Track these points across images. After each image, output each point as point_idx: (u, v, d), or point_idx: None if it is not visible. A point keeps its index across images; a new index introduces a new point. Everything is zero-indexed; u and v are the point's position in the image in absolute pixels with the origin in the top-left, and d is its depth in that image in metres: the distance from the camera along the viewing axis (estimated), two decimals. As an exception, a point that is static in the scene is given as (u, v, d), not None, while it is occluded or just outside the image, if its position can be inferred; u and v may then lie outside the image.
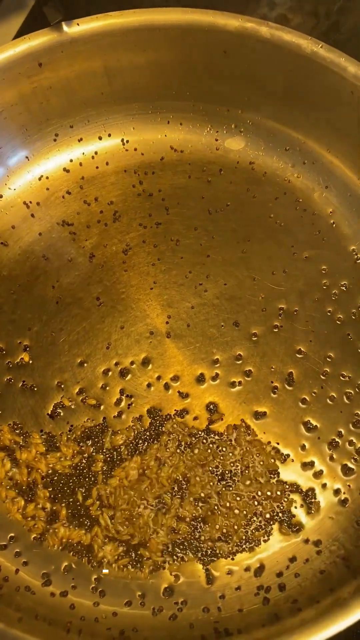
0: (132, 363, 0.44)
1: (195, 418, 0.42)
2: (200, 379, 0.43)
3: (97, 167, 0.50)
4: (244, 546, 0.39)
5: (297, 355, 0.44)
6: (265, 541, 0.39)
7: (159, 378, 0.43)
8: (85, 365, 0.44)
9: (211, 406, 0.42)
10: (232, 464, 0.41)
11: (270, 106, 0.48)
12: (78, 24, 0.43)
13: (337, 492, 0.40)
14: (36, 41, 0.43)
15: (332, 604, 0.32)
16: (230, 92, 0.48)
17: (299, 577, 0.38)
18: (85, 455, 0.41)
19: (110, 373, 0.43)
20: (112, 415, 0.42)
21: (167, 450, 0.41)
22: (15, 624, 0.30)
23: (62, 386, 0.43)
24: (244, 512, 0.39)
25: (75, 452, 0.41)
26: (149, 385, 0.43)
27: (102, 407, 0.42)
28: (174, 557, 0.38)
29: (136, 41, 0.46)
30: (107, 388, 0.43)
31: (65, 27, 0.43)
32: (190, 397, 0.43)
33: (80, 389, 0.43)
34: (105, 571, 0.38)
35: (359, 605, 0.32)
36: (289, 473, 0.40)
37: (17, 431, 0.42)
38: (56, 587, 0.38)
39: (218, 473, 0.40)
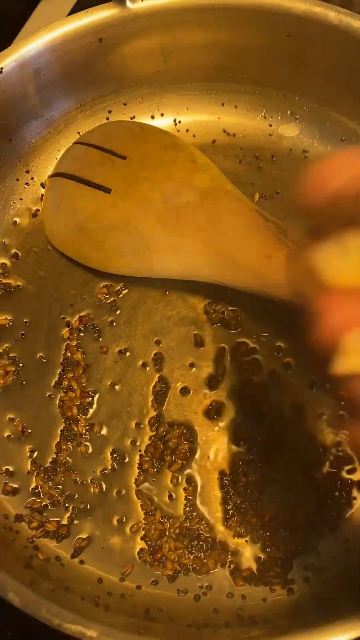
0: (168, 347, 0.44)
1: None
2: (239, 369, 0.43)
3: (147, 147, 0.50)
4: (272, 542, 0.39)
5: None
6: (294, 533, 0.39)
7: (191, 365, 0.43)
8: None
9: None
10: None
11: (329, 94, 0.47)
12: (142, 0, 0.43)
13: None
14: (98, 15, 0.42)
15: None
16: (289, 77, 0.47)
17: (322, 572, 0.38)
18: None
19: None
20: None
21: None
22: (49, 596, 0.31)
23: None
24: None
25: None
26: (191, 365, 0.43)
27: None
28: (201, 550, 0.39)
29: (197, 20, 0.45)
30: (147, 369, 0.43)
31: (128, 3, 0.42)
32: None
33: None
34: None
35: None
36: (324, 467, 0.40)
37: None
38: (84, 558, 0.39)
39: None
